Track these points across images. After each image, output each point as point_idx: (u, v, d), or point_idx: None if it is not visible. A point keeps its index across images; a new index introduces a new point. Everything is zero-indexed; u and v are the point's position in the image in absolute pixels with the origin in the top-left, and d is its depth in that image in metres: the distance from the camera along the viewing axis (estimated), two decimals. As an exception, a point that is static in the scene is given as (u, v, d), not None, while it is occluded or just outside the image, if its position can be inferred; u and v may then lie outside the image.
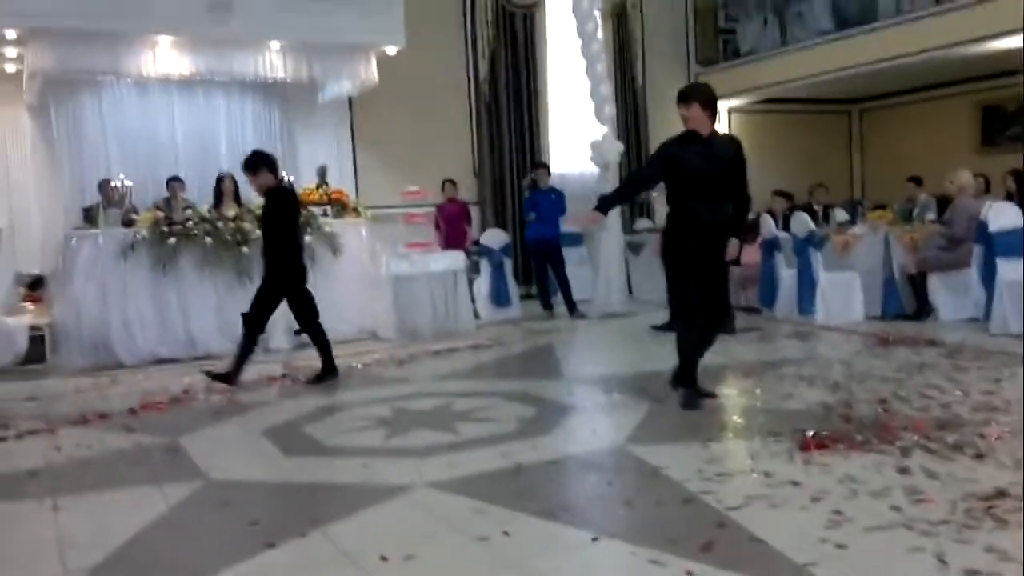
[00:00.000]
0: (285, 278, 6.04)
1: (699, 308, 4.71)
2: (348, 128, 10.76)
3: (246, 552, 2.93)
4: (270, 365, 6.84)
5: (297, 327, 6.66)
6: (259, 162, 6.06)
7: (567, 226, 9.21)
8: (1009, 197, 7.81)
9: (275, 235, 6.01)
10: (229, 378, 5.87)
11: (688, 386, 4.73)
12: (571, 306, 9.17)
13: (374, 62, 9.17)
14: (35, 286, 8.00)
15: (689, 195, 4.62)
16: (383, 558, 2.82)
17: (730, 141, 4.79)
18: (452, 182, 10.23)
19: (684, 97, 4.64)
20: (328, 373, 6.14)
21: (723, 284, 4.80)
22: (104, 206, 8.24)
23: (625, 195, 4.80)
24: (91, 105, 9.61)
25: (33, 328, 7.33)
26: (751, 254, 8.19)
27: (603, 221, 4.54)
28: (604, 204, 4.89)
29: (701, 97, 4.62)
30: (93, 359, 7.11)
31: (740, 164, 4.69)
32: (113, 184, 8.62)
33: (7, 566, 3.00)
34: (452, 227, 9.92)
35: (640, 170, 4.98)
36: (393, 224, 8.82)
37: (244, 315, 6.03)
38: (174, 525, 3.32)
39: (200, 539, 3.18)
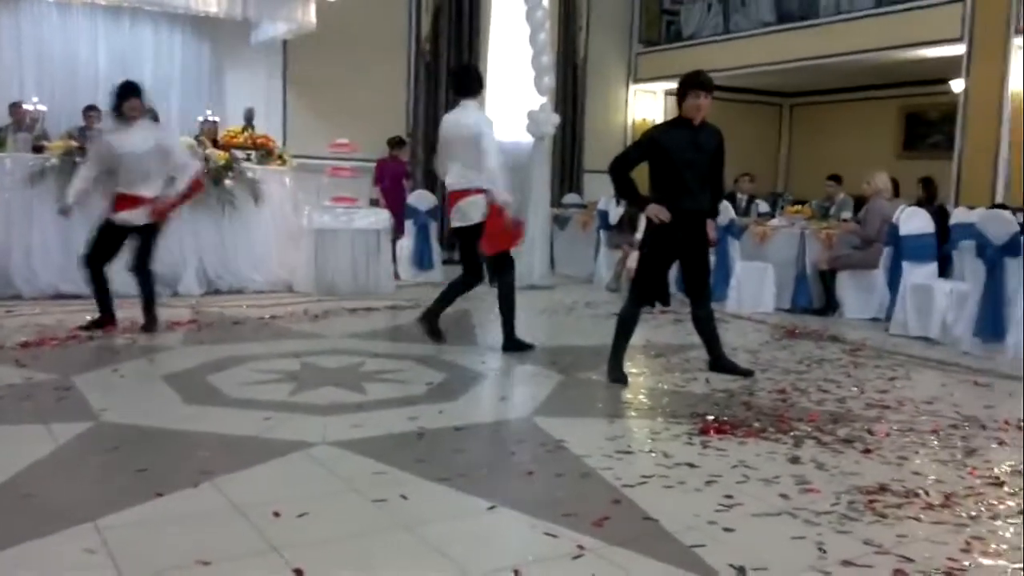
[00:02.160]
0: None
1: (688, 292, 5.01)
2: (280, 73, 10.45)
3: (132, 499, 2.85)
4: (177, 309, 6.66)
5: None
6: None
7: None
8: (919, 203, 8.09)
9: None
10: None
11: (616, 361, 4.85)
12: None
13: (313, 6, 8.91)
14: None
15: (677, 183, 4.68)
16: (276, 514, 2.77)
17: (714, 131, 4.81)
18: (403, 142, 10.10)
19: (706, 86, 4.63)
20: None
21: (707, 267, 5.01)
22: (13, 129, 7.85)
23: (624, 180, 4.81)
24: (8, 23, 9.13)
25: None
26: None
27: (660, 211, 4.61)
28: (632, 197, 4.94)
29: (713, 87, 4.67)
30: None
31: (721, 154, 4.82)
32: (25, 107, 8.21)
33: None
34: (397, 185, 9.78)
35: (624, 152, 5.01)
36: (319, 176, 8.64)
37: None
38: (58, 466, 3.20)
39: (84, 482, 3.07)
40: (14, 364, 4.69)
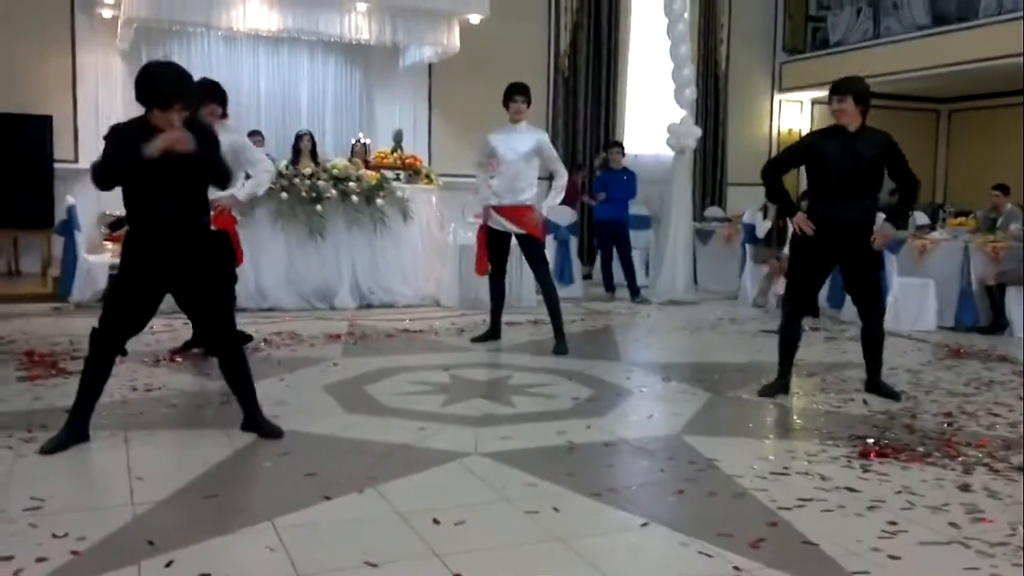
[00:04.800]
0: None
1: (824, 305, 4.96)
2: (426, 94, 10.83)
3: (303, 502, 3.03)
4: (334, 323, 6.99)
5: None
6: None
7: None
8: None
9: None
10: None
11: (782, 377, 4.85)
12: (634, 290, 9.14)
13: (457, 29, 9.20)
14: (116, 226, 8.28)
15: (830, 191, 4.61)
16: (435, 521, 2.88)
17: (878, 138, 4.65)
18: None
19: (839, 90, 4.59)
20: None
21: (872, 280, 4.77)
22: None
23: (775, 185, 4.80)
24: (181, 55, 9.82)
25: (113, 267, 7.59)
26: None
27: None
28: (782, 203, 4.99)
29: (855, 90, 4.57)
30: (167, 301, 7.33)
31: (893, 157, 4.64)
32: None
33: (78, 494, 3.14)
34: None
35: (777, 155, 4.95)
36: (464, 193, 8.87)
37: None
38: (237, 469, 3.44)
39: (260, 485, 3.29)
40: (194, 372, 5.07)
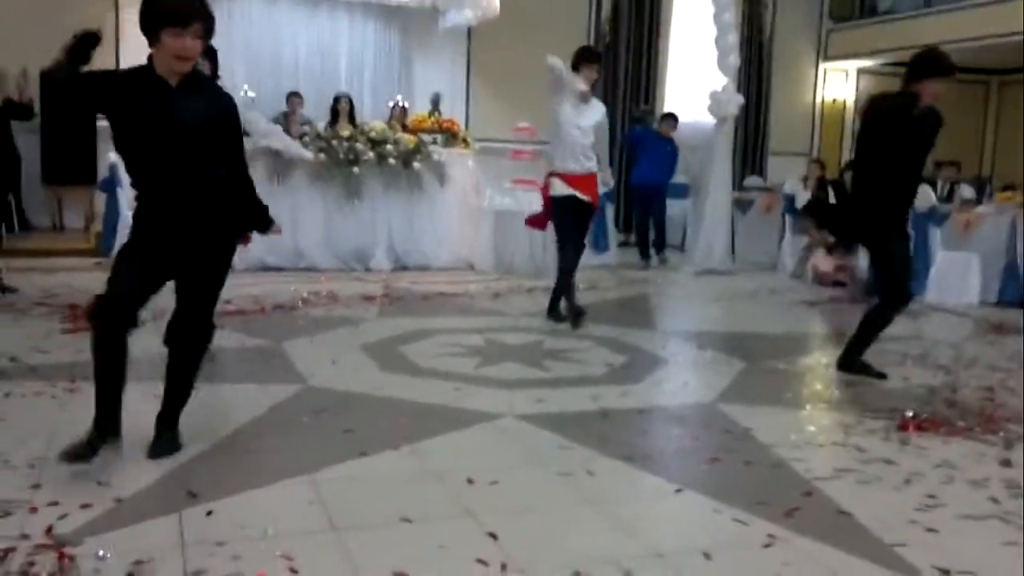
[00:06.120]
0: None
1: None
2: (464, 58, 10.76)
3: (340, 456, 3.07)
4: (369, 284, 7.03)
5: None
6: None
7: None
8: None
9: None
10: None
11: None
12: (660, 247, 9.13)
13: (497, -8, 9.11)
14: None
15: None
16: (470, 480, 2.91)
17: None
18: None
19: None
20: None
21: (882, 261, 4.67)
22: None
23: None
24: (220, 16, 9.66)
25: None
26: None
27: None
28: None
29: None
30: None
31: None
32: (239, 94, 8.86)
33: (114, 448, 3.08)
34: None
35: None
36: (500, 158, 8.83)
37: None
38: (274, 424, 3.49)
39: (298, 439, 3.33)
40: (230, 329, 5.11)
